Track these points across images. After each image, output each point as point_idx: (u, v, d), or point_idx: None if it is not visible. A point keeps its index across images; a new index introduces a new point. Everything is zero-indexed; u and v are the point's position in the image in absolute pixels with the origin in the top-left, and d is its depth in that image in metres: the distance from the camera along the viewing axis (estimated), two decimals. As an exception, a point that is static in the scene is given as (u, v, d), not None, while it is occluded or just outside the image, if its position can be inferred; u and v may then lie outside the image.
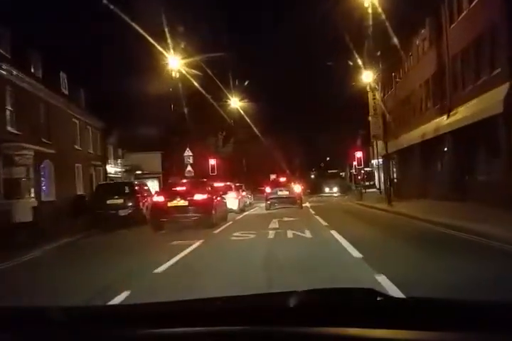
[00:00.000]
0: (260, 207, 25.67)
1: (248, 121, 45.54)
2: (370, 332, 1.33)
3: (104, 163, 34.20)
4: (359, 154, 31.85)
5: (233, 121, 47.12)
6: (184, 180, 20.55)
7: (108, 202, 18.80)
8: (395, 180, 33.27)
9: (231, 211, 20.20)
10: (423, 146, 25.56)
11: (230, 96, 44.08)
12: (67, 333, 1.45)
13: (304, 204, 25.01)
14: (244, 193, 28.08)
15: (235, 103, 45.59)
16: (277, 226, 14.81)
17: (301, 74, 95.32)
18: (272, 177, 25.92)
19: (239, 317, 1.46)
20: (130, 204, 18.85)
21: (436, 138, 23.07)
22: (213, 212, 14.97)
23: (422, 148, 26.17)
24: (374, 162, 57.55)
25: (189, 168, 31.45)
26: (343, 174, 66.48)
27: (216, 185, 20.92)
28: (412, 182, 29.09)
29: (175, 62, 29.83)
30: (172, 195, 15.04)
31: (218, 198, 16.72)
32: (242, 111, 45.78)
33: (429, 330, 1.31)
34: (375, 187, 49.47)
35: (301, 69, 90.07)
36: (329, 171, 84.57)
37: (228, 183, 23.86)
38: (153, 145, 41.80)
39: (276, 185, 23.99)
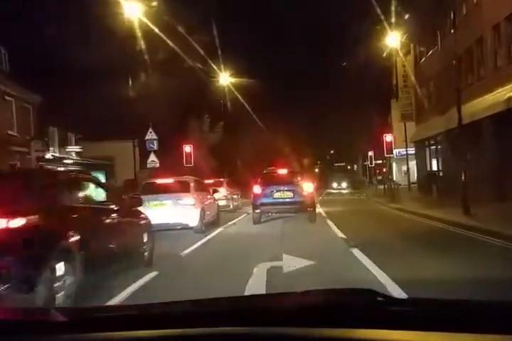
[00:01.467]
0: (249, 215, 15.64)
1: (242, 101, 36.78)
2: (370, 333, 1.33)
3: (44, 150, 25.32)
4: (388, 138, 23.09)
5: (223, 101, 38.27)
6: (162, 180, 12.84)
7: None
8: (439, 174, 24.32)
9: (184, 228, 11.45)
10: (500, 121, 16.51)
11: (218, 71, 35.22)
12: (67, 334, 1.45)
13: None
14: (225, 193, 19.35)
15: (225, 79, 36.78)
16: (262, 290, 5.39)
17: (309, 45, 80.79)
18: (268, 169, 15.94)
19: (238, 318, 1.46)
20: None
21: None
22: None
23: (497, 125, 17.09)
24: (394, 152, 48.59)
25: (153, 157, 22.60)
26: (354, 167, 57.27)
27: (162, 181, 12.17)
28: (477, 177, 19.92)
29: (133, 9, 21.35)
30: None
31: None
32: (234, 90, 37.10)
33: (428, 330, 1.32)
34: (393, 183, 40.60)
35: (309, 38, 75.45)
36: (336, 164, 76.37)
37: (192, 178, 14.19)
38: (123, 131, 32.95)
39: (272, 181, 14.18)
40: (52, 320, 1.54)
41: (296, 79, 71.99)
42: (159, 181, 12.49)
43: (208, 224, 12.59)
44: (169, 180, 12.34)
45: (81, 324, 1.51)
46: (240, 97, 36.83)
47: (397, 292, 4.88)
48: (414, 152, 28.07)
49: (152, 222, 7.69)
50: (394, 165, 47.43)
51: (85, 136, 32.39)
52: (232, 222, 14.87)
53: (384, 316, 1.40)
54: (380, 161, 53.10)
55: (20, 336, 1.46)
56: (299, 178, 14.75)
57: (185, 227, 11.29)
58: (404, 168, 44.98)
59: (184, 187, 11.83)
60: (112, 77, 25.48)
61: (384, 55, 30.38)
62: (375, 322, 1.35)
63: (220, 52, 34.20)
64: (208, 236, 11.04)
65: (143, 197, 8.24)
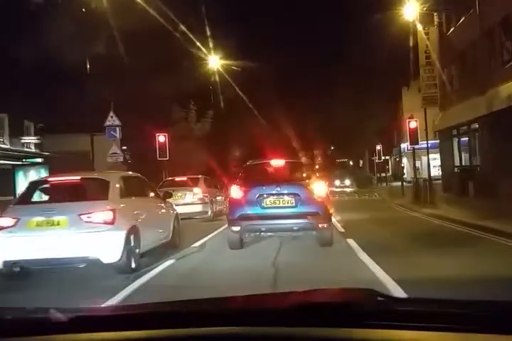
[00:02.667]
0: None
1: (234, 86, 32.01)
2: (371, 333, 1.33)
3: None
4: (413, 124, 18.20)
5: (212, 87, 33.51)
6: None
7: None
8: (475, 170, 19.53)
9: (94, 264, 6.18)
10: None
11: (207, 52, 30.45)
12: (66, 334, 1.45)
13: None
14: (200, 196, 14.48)
15: (215, 62, 32.00)
16: None
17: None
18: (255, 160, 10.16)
19: (237, 318, 1.45)
20: None
21: None
22: None
23: None
24: (403, 146, 43.82)
25: (114, 148, 17.81)
26: (360, 163, 52.37)
27: (58, 180, 7.11)
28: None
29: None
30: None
31: None
32: (224, 74, 32.37)
33: (429, 330, 1.31)
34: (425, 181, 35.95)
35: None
36: (338, 160, 71.81)
37: (117, 175, 8.81)
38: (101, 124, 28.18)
39: (261, 178, 9.02)
40: (52, 319, 1.47)
41: (295, 67, 64.68)
42: (54, 180, 7.16)
43: (173, 245, 8.08)
44: (72, 178, 6.96)
45: (80, 324, 1.48)
46: (232, 82, 32.24)
47: None
48: (427, 145, 23.08)
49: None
50: (404, 160, 42.69)
51: (53, 127, 27.70)
52: (200, 241, 9.63)
53: (384, 316, 1.38)
54: (388, 157, 48.55)
55: (18, 336, 1.44)
56: (304, 174, 9.27)
57: (95, 263, 6.27)
58: (417, 163, 40.53)
59: (96, 191, 6.65)
60: (82, 56, 20.64)
61: (398, 30, 25.68)
62: (375, 322, 1.34)
63: (209, 29, 29.56)
64: (135, 283, 5.94)
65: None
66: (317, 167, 45.98)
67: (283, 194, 8.30)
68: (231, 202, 8.80)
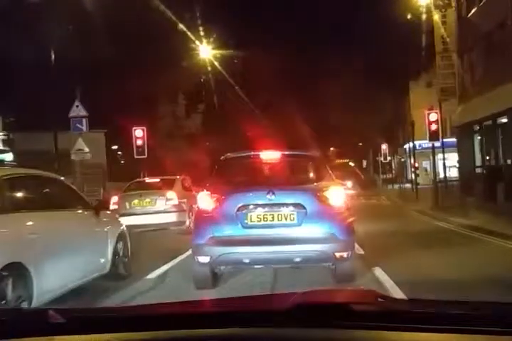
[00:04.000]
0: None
1: (227, 77, 29.28)
2: (371, 334, 1.32)
3: None
4: (433, 116, 15.49)
5: (203, 79, 30.84)
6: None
7: None
8: (506, 170, 16.79)
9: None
10: None
11: (199, 41, 27.77)
12: (63, 335, 1.44)
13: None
14: (175, 202, 11.56)
15: (206, 52, 29.32)
16: None
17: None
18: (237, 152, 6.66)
19: (236, 319, 1.44)
20: None
21: None
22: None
23: None
24: (407, 147, 41.06)
25: (81, 144, 15.03)
26: (363, 163, 49.49)
27: None
28: None
29: None
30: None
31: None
32: (218, 65, 29.68)
33: (430, 332, 1.31)
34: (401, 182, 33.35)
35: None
36: (338, 161, 69.25)
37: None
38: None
39: (244, 180, 6.15)
40: (49, 320, 1.46)
41: (296, 58, 58.87)
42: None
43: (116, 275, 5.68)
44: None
45: (77, 325, 1.47)
46: (225, 74, 29.54)
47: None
48: (442, 143, 20.25)
49: None
50: (409, 161, 39.94)
51: (27, 123, 25.01)
52: (162, 269, 6.88)
53: (384, 317, 1.37)
54: (390, 157, 45.78)
55: (16, 337, 1.42)
56: (311, 174, 6.28)
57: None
58: (425, 163, 37.83)
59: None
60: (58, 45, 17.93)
61: (410, 15, 23.09)
62: (375, 324, 1.34)
63: (200, 16, 26.91)
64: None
65: None
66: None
67: (279, 204, 5.40)
68: (198, 217, 5.84)
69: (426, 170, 37.21)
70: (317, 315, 1.37)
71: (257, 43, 36.01)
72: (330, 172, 6.09)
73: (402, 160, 44.64)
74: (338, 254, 5.24)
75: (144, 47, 24.51)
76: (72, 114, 14.60)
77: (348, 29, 60.90)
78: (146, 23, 24.33)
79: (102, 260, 5.75)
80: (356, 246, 7.81)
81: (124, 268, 6.25)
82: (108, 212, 6.60)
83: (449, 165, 28.44)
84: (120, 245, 6.24)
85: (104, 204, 6.58)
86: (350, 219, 5.64)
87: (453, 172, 27.14)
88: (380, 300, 1.51)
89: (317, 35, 59.50)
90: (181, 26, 23.42)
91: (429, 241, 9.32)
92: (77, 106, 14.56)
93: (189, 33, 25.28)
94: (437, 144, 32.98)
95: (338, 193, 5.63)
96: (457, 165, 21.90)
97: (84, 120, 14.56)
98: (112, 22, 24.78)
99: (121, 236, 6.34)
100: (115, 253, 6.03)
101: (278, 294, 1.81)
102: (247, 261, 5.33)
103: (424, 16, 21.41)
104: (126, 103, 24.06)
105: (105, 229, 6.05)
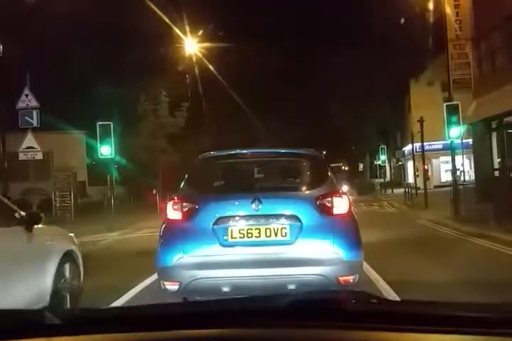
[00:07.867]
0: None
1: (215, 73, 26.91)
2: (363, 335, 1.31)
3: None
4: (453, 107, 13.23)
5: (188, 76, 28.49)
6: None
7: None
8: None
9: None
10: None
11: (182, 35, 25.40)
12: (61, 336, 1.42)
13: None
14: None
15: (191, 46, 26.95)
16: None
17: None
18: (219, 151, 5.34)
19: (234, 320, 1.43)
20: None
21: None
22: None
23: None
24: (406, 149, 38.74)
25: (30, 141, 12.45)
26: (360, 167, 47.17)
27: None
28: None
29: None
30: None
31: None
32: (206, 60, 27.29)
33: (421, 333, 1.30)
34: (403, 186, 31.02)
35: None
36: (331, 165, 67.24)
37: None
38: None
39: (224, 186, 4.84)
40: (47, 321, 1.45)
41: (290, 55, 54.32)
42: None
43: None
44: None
45: (75, 326, 1.46)
46: (213, 69, 27.14)
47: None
48: (461, 144, 17.67)
49: None
50: (409, 164, 37.65)
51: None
52: (121, 299, 5.25)
53: (376, 318, 1.36)
54: (388, 160, 43.53)
55: (15, 338, 1.41)
56: (308, 177, 5.02)
57: None
58: (427, 167, 35.51)
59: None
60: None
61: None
62: (367, 325, 1.33)
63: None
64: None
65: None
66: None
67: (267, 216, 4.29)
68: (165, 232, 4.54)
69: (428, 173, 34.90)
70: (311, 316, 1.37)
71: (250, 41, 33.87)
72: (331, 175, 4.78)
73: (400, 163, 42.32)
74: (342, 279, 4.18)
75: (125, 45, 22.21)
76: (20, 104, 12.07)
77: (349, 29, 58.68)
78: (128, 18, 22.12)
79: (35, 289, 4.17)
80: (367, 266, 5.50)
81: (70, 297, 4.65)
82: (51, 227, 5.24)
83: (447, 168, 26.24)
84: (66, 268, 4.70)
85: (35, 217, 4.50)
86: (358, 234, 4.46)
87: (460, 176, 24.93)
88: (372, 301, 1.50)
89: (314, 34, 57.43)
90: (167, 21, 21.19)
91: (463, 269, 6.36)
92: (27, 95, 12.02)
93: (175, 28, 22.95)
94: (433, 147, 30.33)
95: (342, 201, 4.44)
96: (461, 168, 19.62)
97: (34, 112, 12.02)
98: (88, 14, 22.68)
99: (68, 257, 4.74)
100: (55, 280, 4.43)
101: (273, 295, 1.62)
102: (226, 288, 4.13)
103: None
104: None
105: (42, 249, 4.49)
